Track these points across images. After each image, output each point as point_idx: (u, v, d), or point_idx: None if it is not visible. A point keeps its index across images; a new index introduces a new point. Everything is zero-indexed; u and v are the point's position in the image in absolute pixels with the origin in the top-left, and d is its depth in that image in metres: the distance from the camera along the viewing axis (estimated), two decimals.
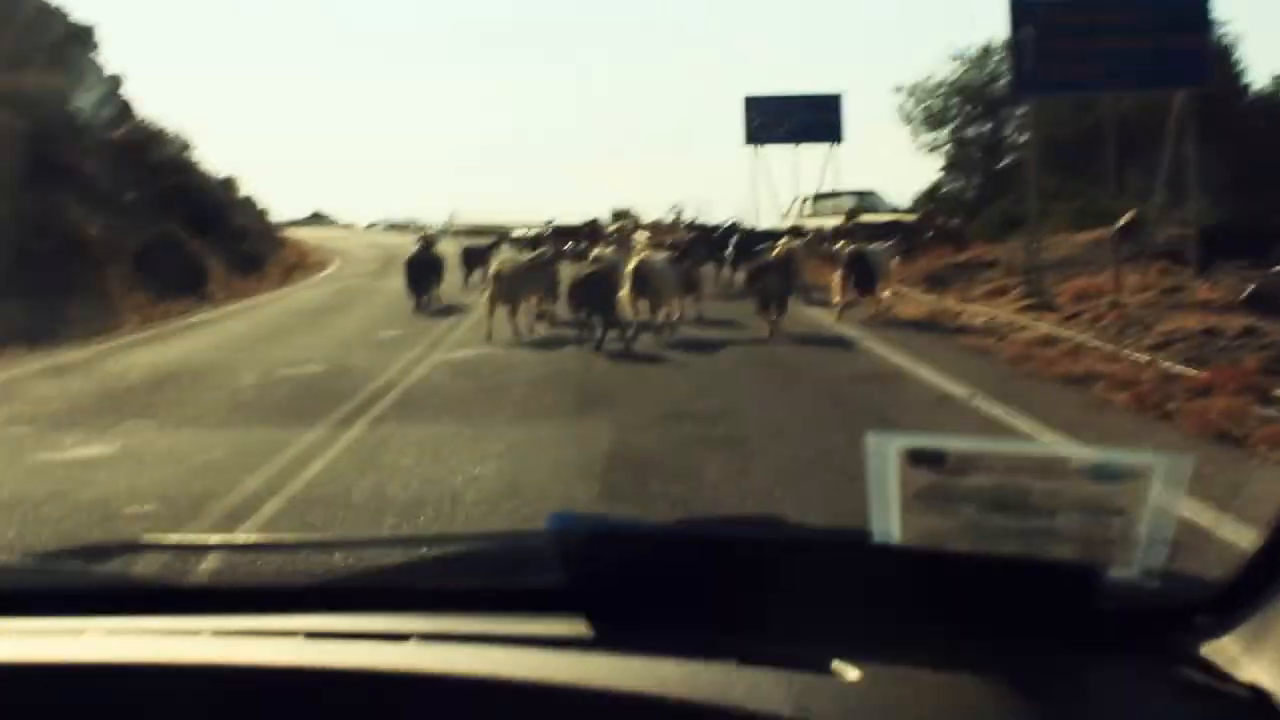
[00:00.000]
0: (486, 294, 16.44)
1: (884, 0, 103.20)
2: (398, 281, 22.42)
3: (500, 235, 27.49)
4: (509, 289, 16.04)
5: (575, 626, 1.63)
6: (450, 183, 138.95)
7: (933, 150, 44.75)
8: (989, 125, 43.16)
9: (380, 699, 1.57)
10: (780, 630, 1.53)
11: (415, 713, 1.56)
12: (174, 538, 2.40)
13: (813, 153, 45.21)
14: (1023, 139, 41.95)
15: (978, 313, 17.43)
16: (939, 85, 44.48)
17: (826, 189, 37.48)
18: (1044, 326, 15.45)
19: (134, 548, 2.19)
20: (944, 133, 44.08)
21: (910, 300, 19.40)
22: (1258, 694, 1.40)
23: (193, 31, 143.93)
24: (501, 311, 15.85)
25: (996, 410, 9.62)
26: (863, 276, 17.89)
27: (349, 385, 12.00)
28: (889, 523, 1.58)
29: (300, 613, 1.75)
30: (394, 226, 62.92)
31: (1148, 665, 1.52)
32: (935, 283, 21.93)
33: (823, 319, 17.50)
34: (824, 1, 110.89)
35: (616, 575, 1.66)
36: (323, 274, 34.18)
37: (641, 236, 26.99)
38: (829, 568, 1.62)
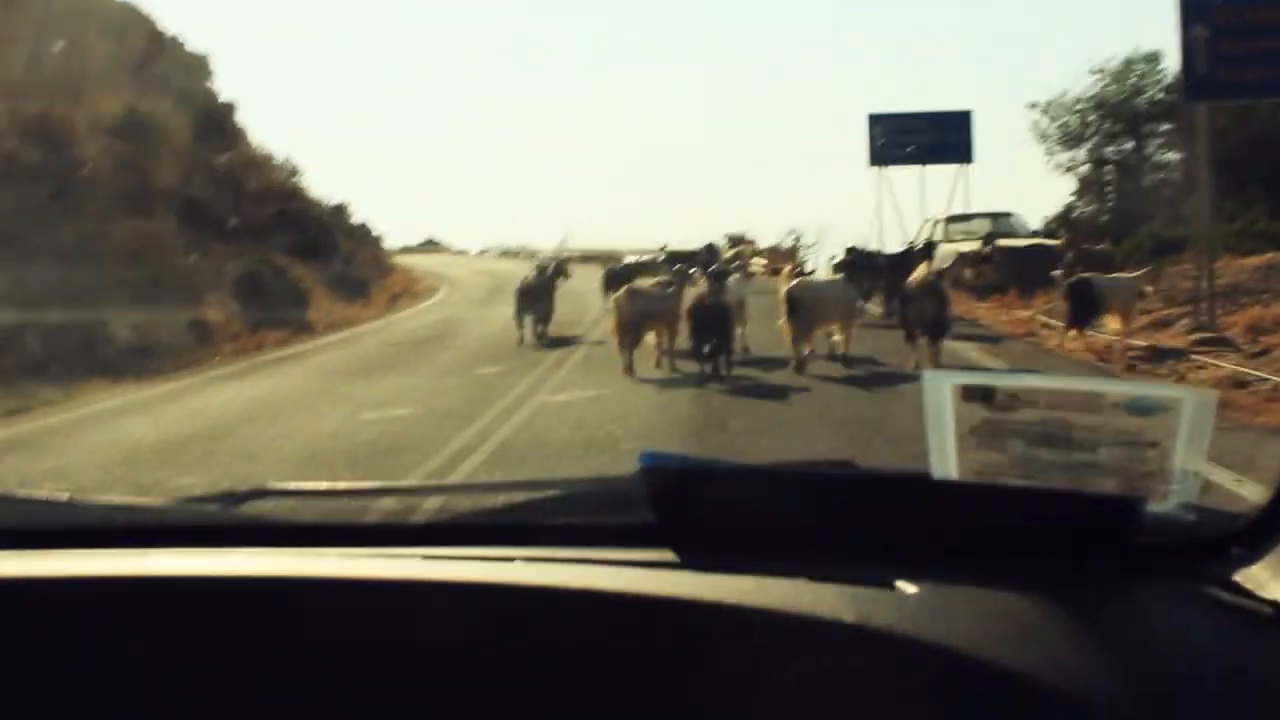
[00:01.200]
0: (611, 324, 15.53)
1: (1015, 13, 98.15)
2: (505, 310, 21.93)
3: (611, 260, 26.97)
4: (633, 317, 15.20)
5: (663, 555, 1.77)
6: (563, 207, 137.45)
7: (1068, 170, 42.82)
8: (1130, 143, 40.80)
9: (488, 609, 1.73)
10: (849, 556, 1.68)
11: (520, 621, 1.71)
12: (294, 485, 2.49)
13: (941, 173, 43.40)
14: (1166, 156, 39.27)
15: (1138, 346, 16.14)
16: (1076, 101, 42.37)
17: (957, 211, 35.92)
18: (1227, 364, 14.03)
19: (261, 494, 2.32)
20: (1081, 151, 42.23)
21: (1061, 333, 17.66)
22: None
23: (309, 64, 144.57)
24: (625, 343, 15.20)
25: (1222, 476, 7.02)
26: (1083, 308, 16.60)
27: (437, 435, 11.22)
28: (947, 458, 1.74)
29: (407, 545, 1.90)
30: (506, 253, 63.90)
31: (1183, 588, 1.63)
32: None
33: (978, 356, 16.42)
34: (950, 16, 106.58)
35: (702, 510, 1.80)
36: (429, 301, 34.22)
37: (757, 262, 26.49)
38: (894, 501, 1.77)
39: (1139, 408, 1.65)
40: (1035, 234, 31.10)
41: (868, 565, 1.65)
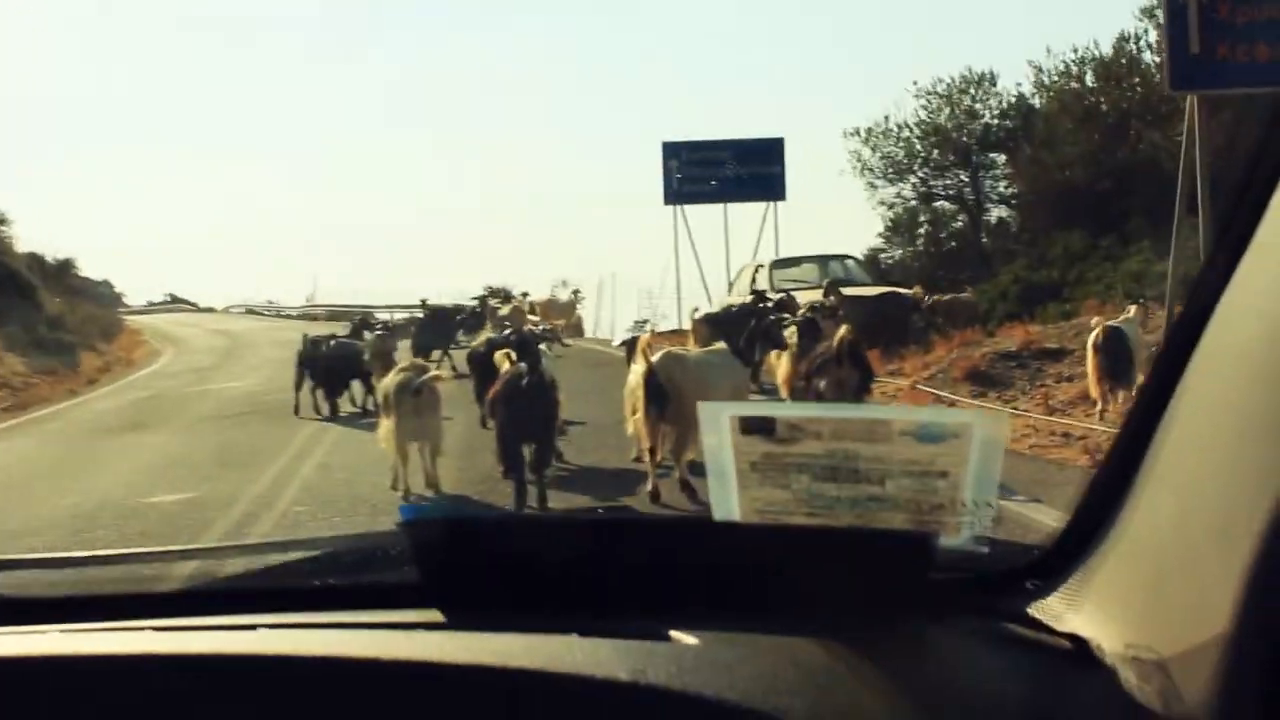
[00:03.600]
0: (384, 427, 12.04)
1: (817, 27, 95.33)
2: (235, 383, 20.68)
3: (361, 320, 23.55)
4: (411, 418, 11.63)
5: (426, 615, 1.78)
6: (310, 263, 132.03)
7: (891, 207, 40.70)
8: (962, 175, 39.11)
9: (226, 683, 1.68)
10: (624, 607, 1.71)
11: (262, 695, 1.66)
12: (21, 555, 2.43)
13: (747, 211, 40.12)
14: (1002, 189, 36.04)
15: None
16: (902, 127, 40.08)
17: (765, 255, 33.88)
18: None
19: None
20: (906, 186, 39.91)
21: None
22: (1077, 642, 1.59)
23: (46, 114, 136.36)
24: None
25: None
26: (1119, 365, 14.62)
27: None
28: (728, 497, 1.77)
29: (140, 618, 1.86)
30: (252, 310, 62.31)
31: (978, 625, 1.71)
32: (982, 382, 18.16)
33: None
34: (738, 30, 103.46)
35: (469, 565, 1.80)
36: (145, 371, 31.88)
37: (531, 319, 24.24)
38: (670, 545, 1.79)
39: (927, 435, 1.69)
40: (891, 283, 29.16)
41: (645, 616, 1.68)
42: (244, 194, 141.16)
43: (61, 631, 1.81)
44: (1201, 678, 1.36)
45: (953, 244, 39.20)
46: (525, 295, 32.59)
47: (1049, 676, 1.59)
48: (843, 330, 12.19)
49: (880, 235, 40.78)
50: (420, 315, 29.80)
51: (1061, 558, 1.71)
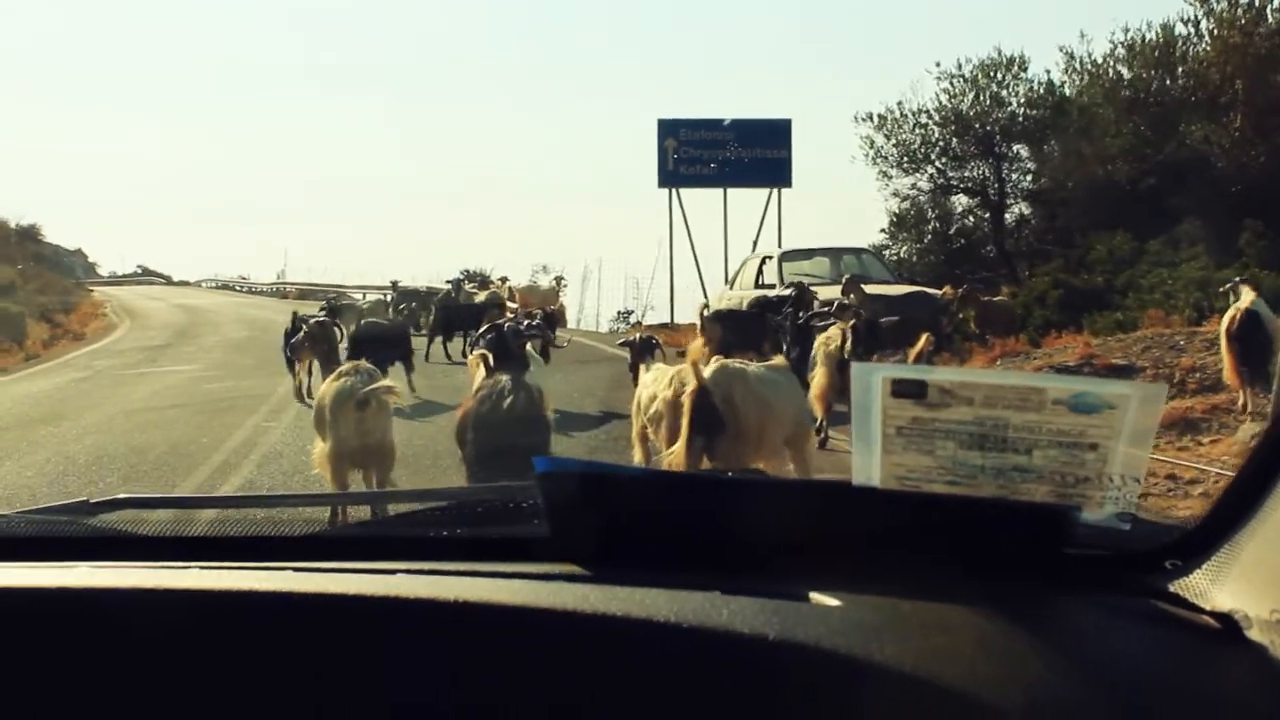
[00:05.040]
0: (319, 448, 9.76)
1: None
2: (182, 366, 19.54)
3: (332, 303, 22.44)
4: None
5: (564, 568, 1.83)
6: (284, 237, 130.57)
7: (904, 199, 38.20)
8: (985, 166, 36.85)
9: (370, 625, 1.74)
10: (760, 567, 1.75)
11: (405, 638, 1.72)
12: (160, 495, 2.66)
13: (749, 197, 38.47)
14: (1027, 183, 34.09)
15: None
16: (920, 112, 37.46)
17: (766, 245, 33.27)
18: None
19: (118, 503, 2.36)
20: (923, 178, 37.72)
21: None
22: (1224, 620, 1.63)
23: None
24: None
25: None
26: (1258, 352, 13.27)
27: None
28: (870, 462, 1.79)
29: (291, 559, 1.94)
30: (223, 285, 62.77)
31: (1119, 600, 1.76)
32: None
33: None
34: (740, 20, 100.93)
35: (603, 519, 1.85)
36: (92, 347, 30.56)
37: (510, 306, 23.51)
38: (808, 509, 1.84)
39: (1082, 405, 1.71)
40: (915, 281, 27.08)
41: (781, 577, 1.74)
42: (222, 168, 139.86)
43: (202, 568, 1.89)
44: None
45: (962, 241, 37.55)
46: (504, 280, 31.81)
47: (1194, 652, 1.63)
48: (923, 340, 9.90)
49: (884, 230, 38.81)
50: (390, 296, 29.44)
51: (1205, 536, 1.75)
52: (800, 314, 16.73)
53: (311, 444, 10.45)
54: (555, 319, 20.58)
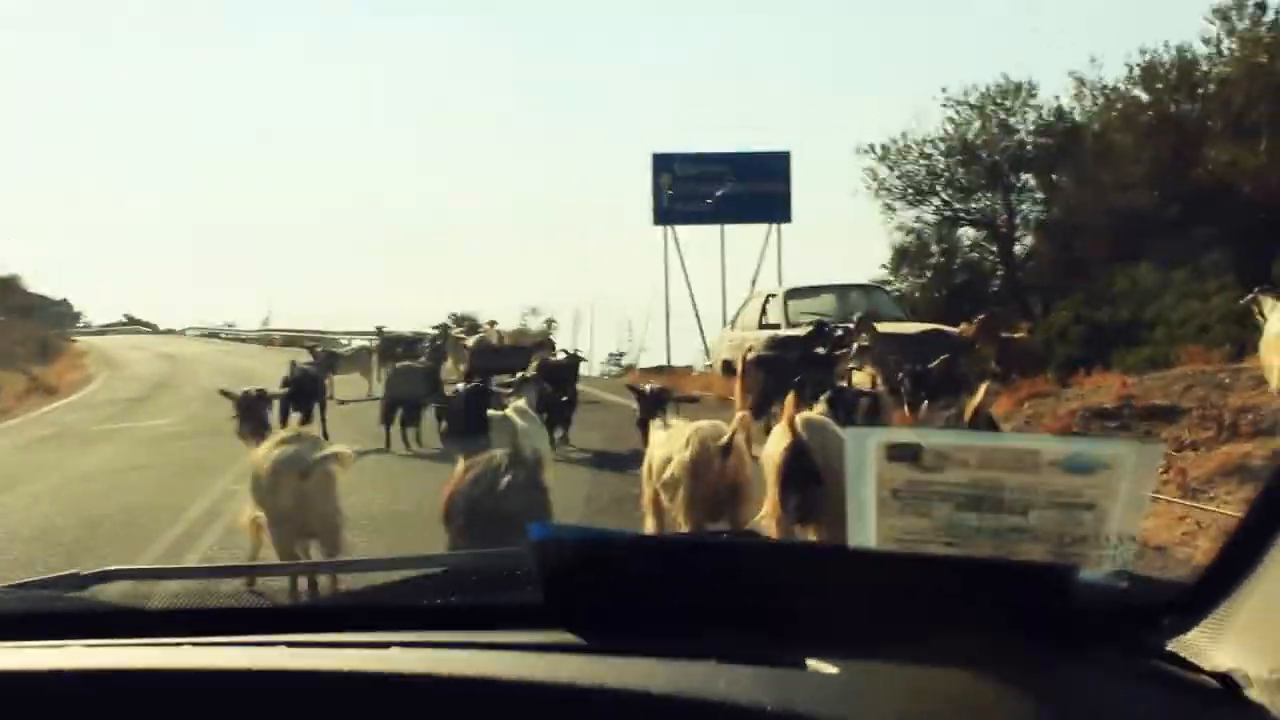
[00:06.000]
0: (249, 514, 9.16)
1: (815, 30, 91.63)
2: (156, 420, 18.88)
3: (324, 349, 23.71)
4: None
5: (559, 637, 1.86)
6: (268, 284, 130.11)
7: (909, 233, 37.45)
8: (993, 197, 34.08)
9: (365, 702, 1.75)
10: (757, 633, 1.78)
11: (394, 714, 1.74)
12: (147, 567, 2.70)
13: (746, 234, 34.66)
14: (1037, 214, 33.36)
15: None
16: (924, 141, 36.80)
17: (767, 281, 32.99)
18: None
19: (107, 576, 2.35)
20: (927, 209, 37.03)
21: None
22: (1224, 680, 1.66)
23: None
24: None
25: None
26: None
27: None
28: (865, 524, 1.83)
29: (277, 632, 1.96)
30: (209, 333, 61.76)
31: (1119, 661, 1.79)
32: None
33: None
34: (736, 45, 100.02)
35: (599, 587, 1.87)
36: (65, 400, 30.18)
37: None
38: (804, 571, 1.87)
39: (1078, 465, 1.74)
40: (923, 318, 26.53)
41: (779, 642, 1.77)
42: (207, 213, 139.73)
43: (195, 644, 1.90)
44: None
45: (966, 276, 36.59)
46: (493, 324, 31.17)
47: (1193, 713, 1.65)
48: (983, 390, 8.76)
49: (884, 266, 38.01)
50: (377, 343, 28.65)
51: (1204, 593, 1.77)
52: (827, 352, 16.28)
53: None
54: (574, 367, 19.31)
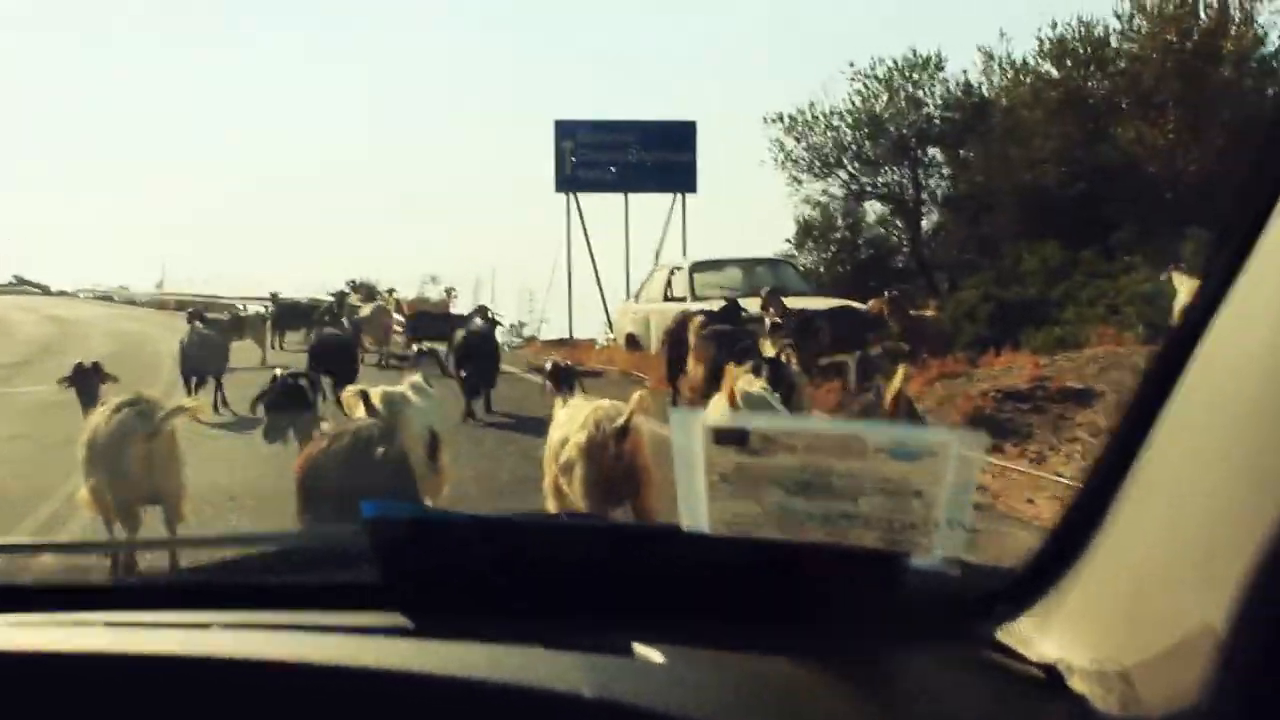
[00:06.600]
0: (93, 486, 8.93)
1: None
2: (35, 386, 17.14)
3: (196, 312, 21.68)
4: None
5: (389, 618, 1.84)
6: (161, 247, 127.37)
7: (815, 206, 37.12)
8: (901, 171, 32.80)
9: (177, 685, 1.73)
10: (590, 615, 1.79)
11: (213, 699, 1.71)
12: None
13: (650, 204, 37.85)
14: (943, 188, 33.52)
15: None
16: (832, 113, 36.63)
17: (670, 254, 32.17)
18: None
19: None
20: (834, 183, 36.80)
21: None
22: (1048, 670, 1.67)
23: None
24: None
25: None
26: None
27: None
28: (696, 508, 1.79)
29: (98, 610, 1.93)
30: (101, 296, 60.86)
31: (948, 649, 1.80)
32: (990, 431, 13.98)
33: None
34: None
35: (433, 566, 1.87)
36: None
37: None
38: (635, 555, 1.89)
39: (903, 453, 1.74)
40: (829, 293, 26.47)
41: (608, 627, 1.78)
42: (99, 173, 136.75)
43: (10, 624, 1.87)
44: (1177, 695, 1.42)
45: (871, 251, 36.32)
46: (391, 292, 30.91)
47: (1018, 703, 1.67)
48: (901, 373, 8.46)
49: (789, 240, 37.69)
50: (269, 309, 28.48)
51: (1035, 579, 1.79)
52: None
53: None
54: (490, 334, 18.87)
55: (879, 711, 1.63)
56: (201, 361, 17.72)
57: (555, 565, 1.87)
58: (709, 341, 15.96)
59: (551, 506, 8.88)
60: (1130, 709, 1.49)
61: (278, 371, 9.47)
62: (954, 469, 1.72)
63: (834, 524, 1.76)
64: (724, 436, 1.77)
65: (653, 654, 1.70)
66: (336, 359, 16.91)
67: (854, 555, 1.77)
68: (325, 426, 8.26)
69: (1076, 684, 1.59)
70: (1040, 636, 1.70)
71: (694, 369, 15.59)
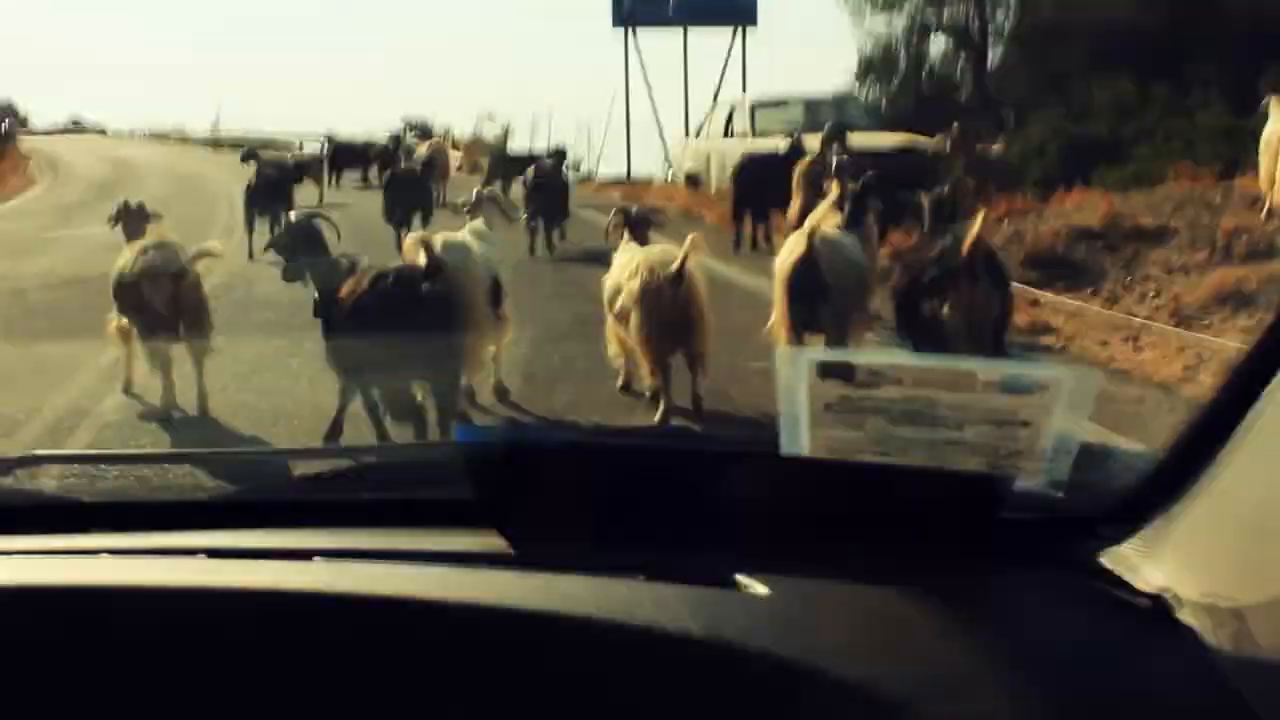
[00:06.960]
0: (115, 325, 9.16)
1: None
2: (97, 229, 14.11)
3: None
4: None
5: (486, 541, 1.85)
6: (217, 84, 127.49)
7: (878, 41, 36.05)
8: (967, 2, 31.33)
9: (285, 621, 1.73)
10: (688, 543, 1.79)
11: (322, 634, 1.73)
12: (72, 451, 2.73)
13: (711, 40, 36.42)
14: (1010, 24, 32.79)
15: None
16: None
17: (730, 91, 30.68)
18: None
19: (29, 461, 2.30)
20: (899, 15, 35.58)
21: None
22: (1154, 599, 1.65)
23: None
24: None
25: None
26: None
27: None
28: (798, 433, 1.81)
29: (202, 529, 1.94)
30: (156, 135, 59.88)
31: (1051, 575, 1.80)
32: (1061, 271, 13.71)
33: None
34: None
35: (526, 488, 1.87)
36: (11, 203, 29.20)
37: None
38: (736, 478, 1.86)
39: (1013, 386, 1.75)
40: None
41: (708, 555, 1.76)
42: (156, 17, 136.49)
43: (89, 554, 1.85)
44: None
45: (935, 87, 35.10)
46: (447, 131, 29.31)
47: (1121, 635, 1.64)
48: (979, 219, 8.12)
49: (854, 75, 36.64)
50: (327, 149, 28.34)
51: (1142, 504, 1.76)
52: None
53: None
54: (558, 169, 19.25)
55: (982, 641, 1.61)
56: (265, 202, 17.80)
57: (653, 490, 1.85)
58: (809, 181, 15.43)
59: (612, 348, 8.94)
60: (1245, 648, 1.46)
61: (293, 216, 9.33)
62: (1065, 402, 1.71)
63: (938, 450, 1.78)
64: (830, 370, 1.79)
65: (757, 586, 1.69)
66: (413, 194, 17.60)
67: (956, 477, 1.79)
68: (364, 263, 7.91)
69: (1186, 616, 1.56)
70: (1146, 563, 1.68)
71: (793, 211, 15.07)
